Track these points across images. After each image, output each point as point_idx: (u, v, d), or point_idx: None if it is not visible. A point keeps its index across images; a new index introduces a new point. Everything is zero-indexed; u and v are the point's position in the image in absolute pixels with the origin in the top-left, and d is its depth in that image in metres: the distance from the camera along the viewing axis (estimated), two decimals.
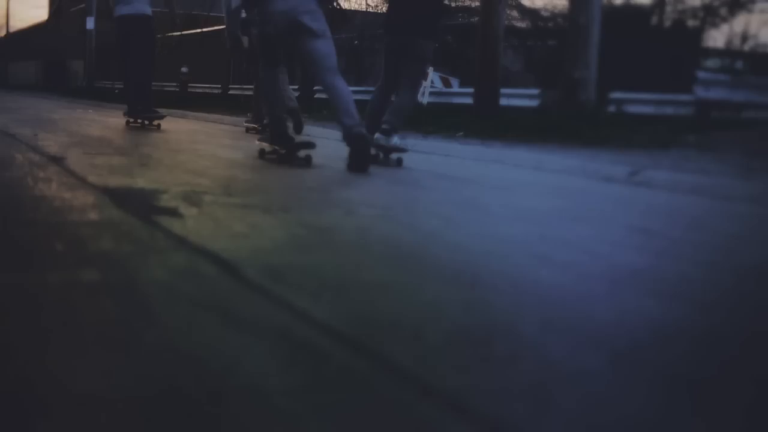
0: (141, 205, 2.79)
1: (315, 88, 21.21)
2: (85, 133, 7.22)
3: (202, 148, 5.97)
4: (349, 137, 4.69)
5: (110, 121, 8.98)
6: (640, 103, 10.89)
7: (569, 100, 9.45)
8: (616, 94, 10.74)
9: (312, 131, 9.29)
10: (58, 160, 4.15)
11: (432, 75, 17.00)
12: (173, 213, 2.66)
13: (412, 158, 7.16)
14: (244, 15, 6.61)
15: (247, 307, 1.64)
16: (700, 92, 9.15)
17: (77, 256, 1.96)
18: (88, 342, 1.34)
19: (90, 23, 29.98)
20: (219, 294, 1.71)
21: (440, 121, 11.56)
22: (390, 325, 1.55)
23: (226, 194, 3.27)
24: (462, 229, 2.85)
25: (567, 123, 9.35)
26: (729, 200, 4.53)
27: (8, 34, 51.59)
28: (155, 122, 8.33)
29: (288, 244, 2.29)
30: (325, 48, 4.86)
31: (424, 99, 15.71)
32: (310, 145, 5.04)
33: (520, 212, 3.50)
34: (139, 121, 8.29)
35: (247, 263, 1.99)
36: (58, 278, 1.72)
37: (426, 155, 7.53)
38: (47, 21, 51.80)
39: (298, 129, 8.42)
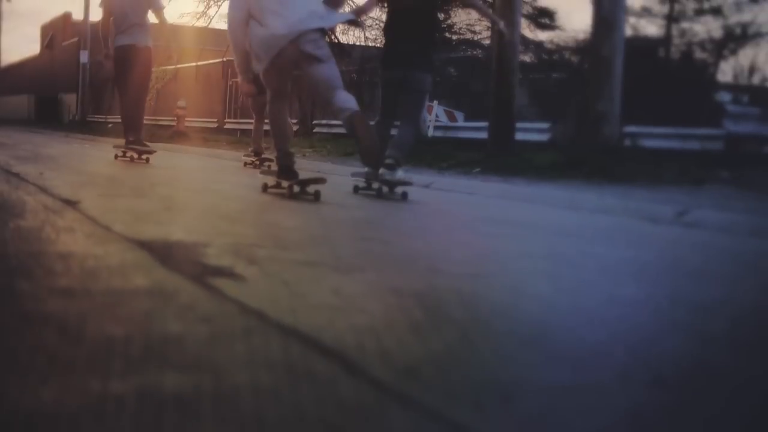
0: (189, 264, 2.34)
1: (314, 122, 20.91)
2: (91, 171, 6.79)
3: (221, 187, 5.54)
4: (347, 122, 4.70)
5: (110, 157, 8.55)
6: (656, 137, 10.56)
7: (592, 133, 9.09)
8: (631, 128, 10.41)
9: (313, 167, 8.89)
10: (73, 204, 3.70)
11: (436, 109, 16.70)
12: (232, 275, 2.22)
13: (438, 196, 6.77)
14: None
15: (394, 424, 1.19)
16: (730, 126, 8.81)
17: (143, 347, 1.51)
18: None
19: (84, 57, 29.68)
20: (348, 406, 1.27)
21: (452, 156, 11.19)
22: None
23: (278, 247, 2.83)
24: (579, 292, 2.41)
25: (589, 158, 8.97)
26: None
27: (0, 68, 51.28)
28: (144, 156, 8.03)
29: (392, 321, 1.84)
30: (330, 71, 4.86)
31: (429, 132, 15.38)
32: (320, 181, 4.98)
33: (612, 265, 3.09)
34: (129, 155, 8.03)
35: (359, 352, 1.54)
36: (133, 388, 1.27)
37: (450, 193, 7.13)
38: (39, 54, 51.54)
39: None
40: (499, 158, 10.07)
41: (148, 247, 2.59)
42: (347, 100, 4.84)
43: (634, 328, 1.97)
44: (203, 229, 3.18)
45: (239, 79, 9.35)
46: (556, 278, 2.64)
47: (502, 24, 6.72)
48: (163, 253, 2.50)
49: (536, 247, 3.43)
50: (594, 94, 9.03)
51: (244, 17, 4.92)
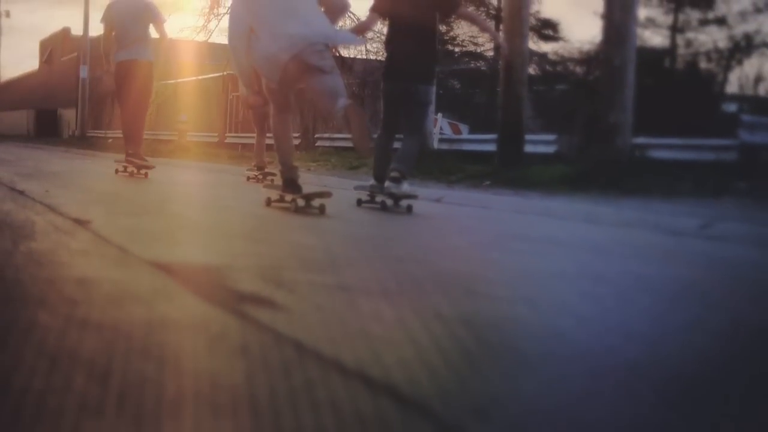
0: (216, 289, 2.19)
1: (316, 135, 20.80)
2: (97, 188, 6.65)
3: (230, 204, 5.39)
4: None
5: (113, 173, 8.42)
6: (666, 148, 10.42)
7: (604, 145, 8.94)
8: (640, 139, 10.26)
9: (319, 181, 8.75)
10: (84, 224, 3.54)
11: (441, 121, 16.56)
12: (263, 301, 2.06)
13: (452, 211, 6.62)
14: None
15: None
16: (745, 136, 8.67)
17: (177, 387, 1.36)
18: None
19: (83, 72, 29.58)
20: None
21: (460, 169, 11.05)
22: None
23: (305, 269, 2.68)
24: (631, 316, 2.26)
25: (602, 170, 8.83)
26: None
27: None
28: (143, 171, 7.95)
29: (443, 351, 1.69)
30: (334, 82, 4.82)
31: (434, 145, 15.24)
32: (325, 194, 4.95)
33: (652, 284, 2.93)
34: (129, 169, 7.98)
35: (415, 389, 1.39)
36: None
37: (464, 208, 6.98)
38: (38, 70, 51.51)
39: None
40: (509, 171, 9.92)
41: (169, 270, 2.44)
42: (345, 101, 4.80)
43: (709, 356, 1.82)
44: (222, 249, 3.03)
45: (243, 92, 9.33)
46: (600, 300, 2.49)
47: (501, 38, 6.66)
48: (186, 277, 2.35)
49: (569, 266, 3.28)
50: (606, 105, 8.88)
51: (245, 31, 4.88)
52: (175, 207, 4.92)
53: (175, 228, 3.72)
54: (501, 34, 10.47)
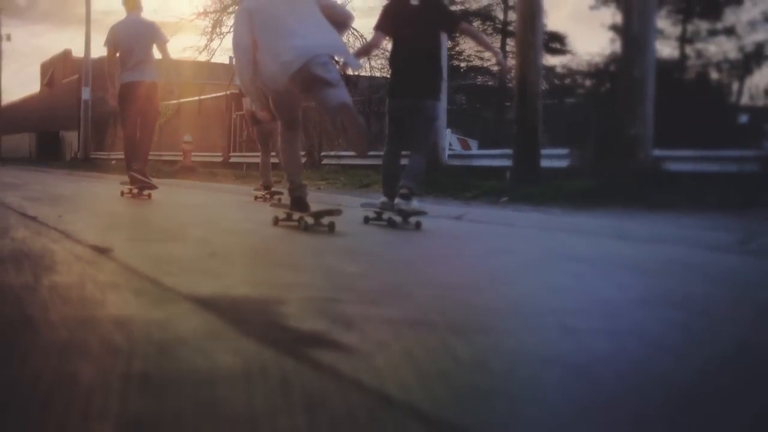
0: (271, 329, 1.96)
1: (322, 153, 20.60)
2: (110, 211, 6.44)
3: (252, 227, 5.17)
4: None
5: (127, 196, 8.22)
6: (685, 161, 10.21)
7: (625, 158, 8.71)
8: (659, 152, 10.04)
9: (332, 199, 8.53)
10: (106, 252, 3.32)
11: (449, 137, 16.37)
12: (325, 341, 1.83)
13: (478, 230, 6.38)
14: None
15: None
16: None
17: None
18: None
19: (86, 93, 29.44)
20: None
21: (474, 185, 10.82)
22: None
23: (360, 301, 2.45)
24: (724, 346, 2.03)
25: (623, 184, 8.60)
26: None
27: (0, 107, 51.19)
28: (146, 192, 7.88)
29: (556, 406, 1.45)
30: (341, 95, 4.76)
31: (444, 160, 15.04)
32: (334, 212, 4.93)
33: (728, 307, 2.70)
34: (135, 190, 7.90)
35: None
36: None
37: (488, 225, 6.74)
38: (40, 92, 51.48)
39: None
40: (526, 186, 9.70)
41: (213, 306, 2.21)
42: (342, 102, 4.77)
43: None
44: (261, 279, 2.80)
45: (248, 108, 9.20)
46: (682, 327, 2.26)
47: (501, 56, 6.60)
48: (234, 314, 2.12)
49: (632, 289, 3.05)
50: (626, 118, 8.67)
51: (249, 44, 4.82)
52: (195, 231, 4.68)
53: (203, 255, 3.48)
54: (500, 49, 10.32)
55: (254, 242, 4.37)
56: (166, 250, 3.64)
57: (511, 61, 21.48)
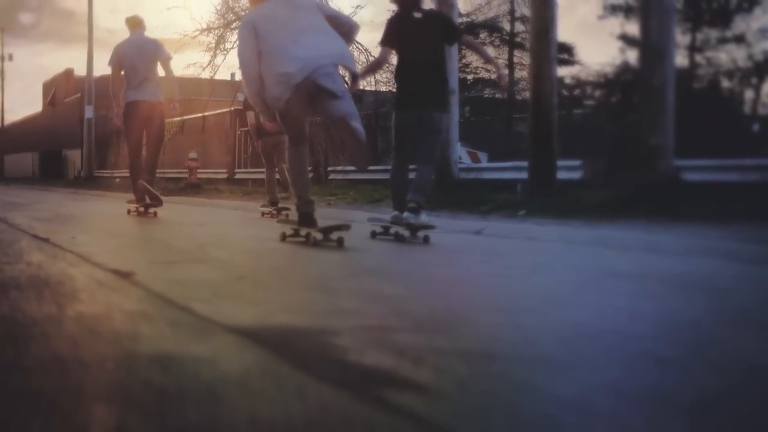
0: (332, 366, 1.74)
1: (329, 168, 20.41)
2: (123, 231, 6.24)
3: (273, 246, 4.96)
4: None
5: (133, 214, 8.06)
6: (700, 171, 10.01)
7: (645, 169, 8.50)
8: (678, 162, 9.84)
9: (345, 215, 8.33)
10: (128, 277, 3.11)
11: (459, 150, 16.16)
12: (397, 380, 1.62)
13: (502, 245, 6.17)
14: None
15: None
16: None
17: None
18: None
19: (89, 112, 29.31)
20: None
21: (489, 199, 10.62)
22: None
23: (417, 329, 2.23)
24: None
25: (645, 195, 8.39)
26: None
27: (3, 127, 51.15)
28: (152, 210, 7.87)
29: None
30: (347, 107, 4.74)
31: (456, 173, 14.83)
32: (343, 227, 4.89)
33: None
34: (141, 209, 7.86)
35: None
36: None
37: (512, 240, 6.53)
38: (42, 111, 51.45)
39: (287, 187, 8.41)
40: (543, 199, 9.50)
41: (259, 339, 2.00)
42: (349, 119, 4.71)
43: None
44: (301, 305, 2.58)
45: (253, 120, 9.04)
46: None
47: (502, 70, 6.61)
48: (285, 348, 1.90)
49: (703, 309, 2.83)
50: (646, 128, 8.46)
51: (255, 56, 4.80)
52: (214, 251, 4.48)
53: (231, 279, 3.27)
54: (504, 62, 10.15)
55: (279, 262, 4.16)
56: (189, 273, 3.43)
57: (520, 73, 21.41)
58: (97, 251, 4.15)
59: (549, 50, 9.83)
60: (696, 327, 2.43)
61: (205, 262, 3.93)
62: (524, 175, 11.97)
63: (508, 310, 2.61)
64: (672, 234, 6.68)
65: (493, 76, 20.14)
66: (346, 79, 7.09)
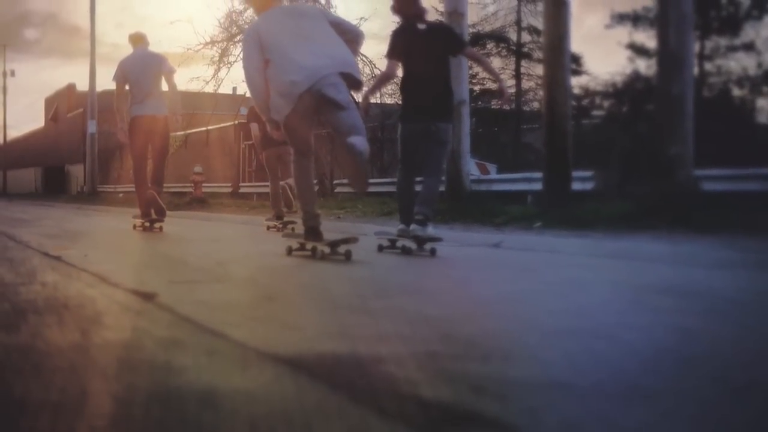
0: (393, 400, 1.57)
1: (335, 182, 20.25)
2: (136, 248, 6.08)
3: (293, 262, 4.79)
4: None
5: (139, 229, 7.94)
6: (719, 180, 9.85)
7: (664, 180, 8.34)
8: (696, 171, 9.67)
9: (357, 229, 8.17)
10: (151, 299, 2.94)
11: (469, 162, 15.97)
12: (468, 416, 1.46)
13: (525, 258, 5.99)
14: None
15: None
16: None
17: None
18: None
19: (92, 127, 29.23)
20: None
21: (502, 211, 10.46)
22: None
23: (472, 356, 2.06)
24: None
25: (665, 206, 8.22)
26: None
27: (5, 143, 51.11)
28: (156, 225, 7.84)
29: None
30: (352, 119, 4.70)
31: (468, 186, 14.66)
32: (350, 241, 4.85)
33: None
34: (146, 224, 7.83)
35: None
36: None
37: (533, 253, 6.35)
38: (44, 127, 51.41)
39: (289, 205, 8.56)
40: (559, 210, 9.33)
41: (304, 368, 1.83)
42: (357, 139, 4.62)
43: None
44: (340, 328, 2.41)
45: (257, 132, 8.90)
46: None
47: (504, 86, 6.59)
48: (335, 379, 1.73)
49: (759, 330, 2.66)
50: (665, 137, 8.30)
51: (260, 66, 4.77)
52: (234, 269, 4.31)
53: (260, 299, 3.11)
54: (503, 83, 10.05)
55: (305, 280, 3.99)
56: (215, 293, 3.26)
57: (528, 84, 21.28)
58: (112, 270, 3.98)
59: (563, 59, 9.70)
60: (748, 349, 2.26)
61: (226, 281, 3.76)
62: (535, 186, 11.82)
63: (564, 331, 2.44)
64: (698, 245, 6.52)
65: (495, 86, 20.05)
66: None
